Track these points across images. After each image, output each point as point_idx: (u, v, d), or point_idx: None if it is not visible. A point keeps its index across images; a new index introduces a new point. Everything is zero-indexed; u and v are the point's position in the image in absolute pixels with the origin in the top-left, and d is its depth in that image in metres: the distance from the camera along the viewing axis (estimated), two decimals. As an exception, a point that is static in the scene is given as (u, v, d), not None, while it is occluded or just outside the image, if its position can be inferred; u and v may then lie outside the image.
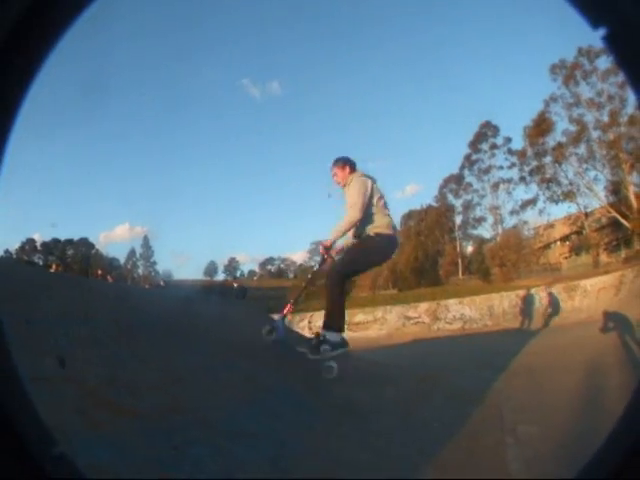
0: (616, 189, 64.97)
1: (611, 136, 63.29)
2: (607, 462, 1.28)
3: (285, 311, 7.18)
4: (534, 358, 10.79)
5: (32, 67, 1.35)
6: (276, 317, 7.31)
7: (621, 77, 64.46)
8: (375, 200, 7.05)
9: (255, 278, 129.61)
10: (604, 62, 63.69)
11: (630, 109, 63.29)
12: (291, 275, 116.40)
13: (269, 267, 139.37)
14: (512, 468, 3.92)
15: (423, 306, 28.93)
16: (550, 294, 25.21)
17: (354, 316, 29.87)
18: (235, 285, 42.62)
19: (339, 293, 6.84)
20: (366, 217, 6.92)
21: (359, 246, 7.06)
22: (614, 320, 14.48)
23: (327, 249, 7.07)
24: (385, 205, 7.31)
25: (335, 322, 6.73)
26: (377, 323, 29.02)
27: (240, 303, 26.96)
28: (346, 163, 7.44)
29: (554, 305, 24.34)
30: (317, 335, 6.75)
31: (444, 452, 4.34)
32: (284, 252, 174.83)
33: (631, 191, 61.37)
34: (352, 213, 6.80)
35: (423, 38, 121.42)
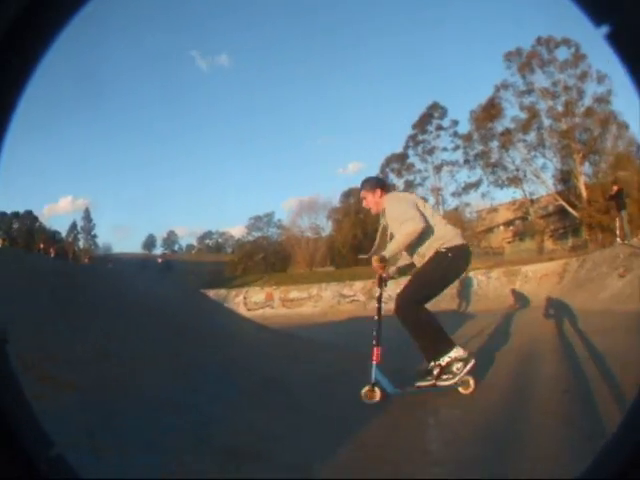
0: (565, 178, 66.11)
1: (564, 126, 63.90)
2: (610, 463, 1.27)
3: (376, 357, 5.78)
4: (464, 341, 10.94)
5: (29, 66, 1.36)
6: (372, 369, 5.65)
7: (581, 69, 65.74)
8: (429, 212, 6.30)
9: (193, 252, 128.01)
10: (564, 53, 64.71)
11: (588, 101, 64.51)
12: (229, 250, 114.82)
13: (207, 241, 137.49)
14: (431, 449, 4.11)
15: (359, 284, 28.83)
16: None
17: (289, 292, 30.38)
18: (159, 260, 42.45)
19: (426, 322, 5.99)
20: (425, 232, 6.02)
21: (431, 265, 6.05)
22: (556, 307, 14.85)
23: (383, 263, 6.25)
24: (441, 216, 6.72)
25: (443, 345, 5.90)
26: (312, 300, 28.99)
27: (165, 278, 26.79)
28: (376, 186, 6.62)
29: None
30: (435, 367, 5.79)
31: (365, 429, 4.50)
32: (223, 226, 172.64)
33: (581, 181, 62.53)
34: (412, 223, 5.91)
35: (375, 17, 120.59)
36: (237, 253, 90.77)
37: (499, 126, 68.03)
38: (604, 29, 1.22)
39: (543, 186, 67.63)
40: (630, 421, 1.37)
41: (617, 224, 24.81)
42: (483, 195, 72.50)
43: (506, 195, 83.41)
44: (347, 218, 79.31)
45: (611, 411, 4.15)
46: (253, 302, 30.76)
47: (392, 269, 6.73)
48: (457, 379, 5.66)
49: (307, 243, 79.91)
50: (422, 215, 5.97)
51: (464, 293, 23.38)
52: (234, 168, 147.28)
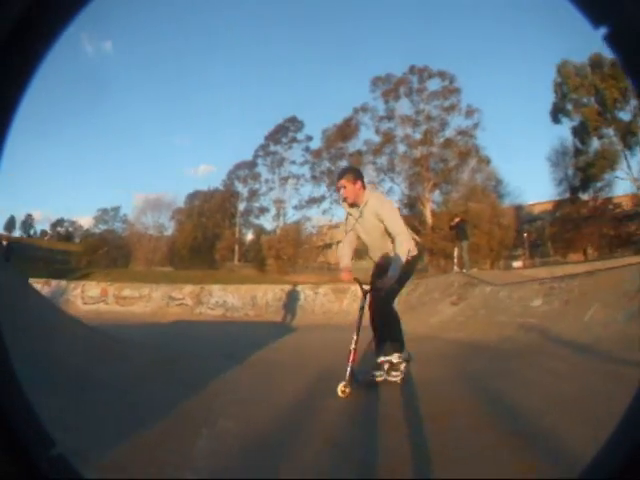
0: (412, 203, 67.99)
1: (418, 154, 66.03)
2: (609, 462, 1.28)
3: (352, 359, 6.68)
4: (274, 354, 11.35)
5: (31, 66, 1.33)
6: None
7: (450, 101, 68.56)
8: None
9: (46, 238, 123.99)
10: (436, 84, 67.26)
11: (450, 132, 67.08)
12: (77, 240, 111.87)
13: (59, 229, 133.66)
14: (197, 456, 4.17)
15: (188, 288, 29.03)
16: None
17: (122, 290, 29.74)
18: (4, 243, 40.85)
19: (396, 318, 7.26)
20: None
21: (403, 274, 6.99)
22: None
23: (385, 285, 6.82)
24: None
25: (402, 343, 7.24)
26: (143, 300, 28.70)
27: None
28: (358, 177, 7.24)
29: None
30: (385, 362, 7.02)
31: (143, 431, 4.58)
32: (75, 214, 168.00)
33: (428, 208, 65.13)
34: (407, 245, 6.86)
35: (243, 22, 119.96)
36: (82, 244, 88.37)
37: (351, 147, 69.63)
38: (603, 30, 1.24)
39: (386, 210, 69.45)
40: (629, 421, 1.37)
41: (455, 253, 25.80)
42: (324, 211, 73.97)
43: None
44: (189, 220, 79.18)
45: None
46: (89, 296, 29.81)
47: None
48: (402, 377, 6.92)
49: (149, 241, 78.95)
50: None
51: (290, 306, 23.65)
52: (90, 156, 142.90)
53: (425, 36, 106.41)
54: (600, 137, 67.12)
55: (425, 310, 16.77)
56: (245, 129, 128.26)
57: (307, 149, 77.85)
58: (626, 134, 64.81)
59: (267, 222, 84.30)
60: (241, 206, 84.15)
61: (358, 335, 6.88)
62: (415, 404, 5.83)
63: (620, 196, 71.57)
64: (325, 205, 74.96)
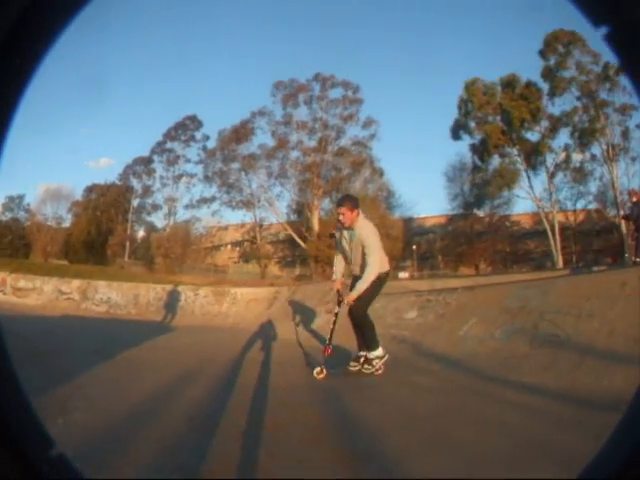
0: (300, 210, 68.51)
1: (311, 160, 66.40)
2: (610, 462, 1.26)
3: (327, 352, 8.68)
4: (143, 352, 11.12)
5: (30, 66, 1.29)
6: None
7: (349, 111, 69.35)
8: (380, 243, 8.86)
9: None
10: (339, 93, 67.83)
11: (345, 141, 67.79)
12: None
13: None
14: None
15: (75, 283, 28.39)
16: None
17: (18, 281, 28.88)
18: None
19: (370, 323, 8.72)
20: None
21: (373, 286, 8.53)
22: (265, 331, 15.51)
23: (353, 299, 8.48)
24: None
25: (375, 343, 8.67)
26: (35, 292, 28.01)
27: None
28: (356, 206, 8.77)
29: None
30: (362, 356, 8.70)
31: None
32: None
33: (316, 215, 65.43)
34: (375, 268, 8.42)
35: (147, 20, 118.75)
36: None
37: (245, 150, 69.65)
38: (603, 30, 1.21)
39: (275, 214, 70.17)
40: (629, 420, 1.36)
41: (335, 261, 25.79)
42: (214, 213, 73.81)
43: (237, 216, 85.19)
44: (85, 213, 77.81)
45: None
46: (21, 286, 28.92)
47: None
48: (373, 370, 8.45)
49: (47, 232, 77.26)
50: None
51: (171, 306, 23.47)
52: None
53: (335, 45, 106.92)
54: (502, 155, 68.55)
55: (299, 317, 16.54)
56: (148, 124, 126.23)
57: (204, 148, 77.30)
58: (531, 154, 66.50)
59: (159, 220, 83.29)
60: (135, 202, 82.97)
61: (331, 334, 8.94)
62: (261, 410, 5.79)
63: (520, 214, 73.78)
64: (215, 206, 74.47)
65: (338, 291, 9.26)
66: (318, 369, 8.25)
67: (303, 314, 16.48)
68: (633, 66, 1.23)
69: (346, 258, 9.15)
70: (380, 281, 8.73)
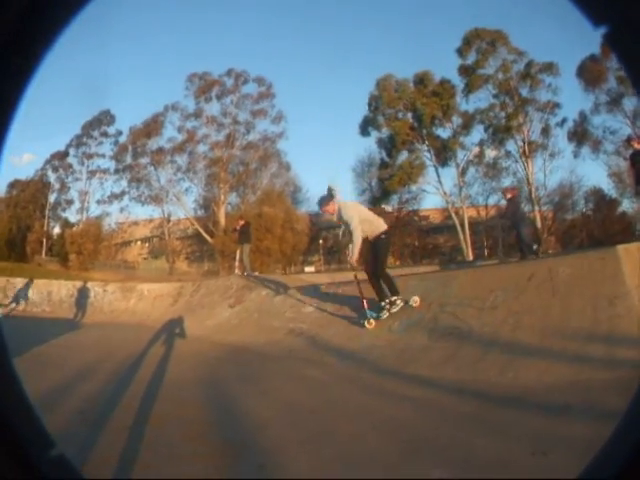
0: (207, 205, 68.22)
1: (218, 154, 66.13)
2: (610, 462, 1.24)
3: (365, 304, 10.13)
4: (50, 349, 11.18)
5: (30, 66, 1.29)
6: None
7: (260, 106, 69.28)
8: (366, 212, 10.83)
9: None
10: (252, 88, 67.64)
11: (254, 136, 67.60)
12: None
13: None
14: None
15: None
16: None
17: None
18: None
19: (390, 277, 10.42)
20: (370, 226, 10.28)
21: (381, 246, 10.41)
22: (169, 329, 14.99)
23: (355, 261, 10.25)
24: (367, 211, 11.11)
25: (396, 290, 10.18)
26: None
27: None
28: (330, 199, 10.57)
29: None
30: (392, 300, 10.05)
31: None
32: None
33: (222, 210, 64.98)
34: (356, 235, 9.96)
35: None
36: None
37: (154, 144, 68.87)
38: (603, 29, 1.21)
39: (182, 209, 69.58)
40: (629, 420, 1.33)
41: (237, 256, 25.84)
42: (122, 209, 72.85)
43: (146, 212, 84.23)
44: (7, 210, 75.59)
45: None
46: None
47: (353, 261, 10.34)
48: (398, 308, 9.92)
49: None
50: (361, 221, 10.11)
51: (81, 303, 23.24)
52: None
53: (247, 37, 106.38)
54: (411, 151, 68.87)
55: (203, 312, 16.48)
56: (67, 119, 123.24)
57: (116, 143, 75.96)
58: (441, 150, 67.05)
59: (72, 216, 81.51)
60: (52, 197, 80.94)
61: (361, 292, 10.36)
62: (150, 405, 5.79)
63: (430, 209, 74.60)
64: (125, 202, 73.17)
65: (357, 260, 10.38)
66: (367, 321, 9.95)
67: (205, 310, 16.51)
68: (633, 66, 1.25)
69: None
70: (387, 239, 10.63)
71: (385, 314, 9.98)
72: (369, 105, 70.30)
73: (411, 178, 66.81)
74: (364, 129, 71.52)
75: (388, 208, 73.45)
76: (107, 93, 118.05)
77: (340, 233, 12.23)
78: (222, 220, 64.10)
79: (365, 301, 10.25)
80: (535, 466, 3.43)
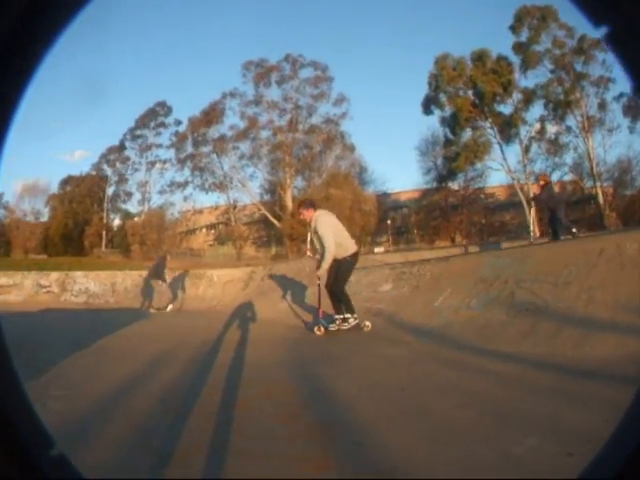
0: (273, 189, 68.29)
1: (282, 139, 66.13)
2: (610, 463, 1.18)
3: (321, 313, 10.72)
4: (119, 340, 10.89)
5: (30, 67, 1.21)
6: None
7: (320, 90, 68.96)
8: (340, 231, 10.86)
9: None
10: (309, 72, 67.48)
11: (316, 119, 67.43)
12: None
13: None
14: None
15: (54, 275, 28.64)
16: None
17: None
18: None
19: (347, 295, 10.61)
20: (339, 249, 10.45)
21: (345, 266, 10.59)
22: (240, 312, 15.03)
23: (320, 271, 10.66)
24: (343, 228, 11.14)
25: (352, 309, 10.49)
26: (16, 288, 27.85)
27: None
28: (311, 206, 11.12)
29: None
30: (346, 317, 10.35)
31: None
32: None
33: (289, 194, 65.11)
34: (329, 255, 10.30)
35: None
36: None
37: (215, 132, 69.14)
38: (603, 29, 1.14)
39: (248, 195, 69.70)
40: (630, 421, 1.25)
41: (308, 238, 25.81)
42: (186, 198, 73.25)
43: (210, 199, 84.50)
44: (61, 206, 77.26)
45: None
46: None
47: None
48: (350, 326, 10.21)
49: (26, 228, 76.49)
50: (335, 236, 10.45)
51: (148, 292, 23.39)
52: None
53: (301, 25, 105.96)
54: (475, 129, 67.92)
55: (275, 295, 16.46)
56: (120, 113, 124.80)
57: (176, 133, 76.41)
58: (504, 127, 65.96)
59: (133, 207, 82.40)
60: (110, 191, 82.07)
61: (319, 301, 10.89)
62: (234, 389, 5.73)
63: (495, 186, 73.53)
64: (189, 190, 73.66)
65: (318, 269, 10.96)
66: (316, 327, 10.45)
67: (276, 292, 16.43)
68: (633, 66, 1.16)
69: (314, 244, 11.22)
70: (352, 261, 10.76)
71: (334, 327, 10.40)
72: (429, 84, 69.53)
73: (477, 156, 65.78)
74: (427, 107, 70.73)
75: (454, 186, 72.90)
76: (159, 85, 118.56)
77: (308, 240, 12.35)
78: (289, 204, 64.06)
79: (321, 310, 10.86)
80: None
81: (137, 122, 77.91)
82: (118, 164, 79.78)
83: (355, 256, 10.90)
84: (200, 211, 76.28)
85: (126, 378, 6.54)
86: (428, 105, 70.65)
